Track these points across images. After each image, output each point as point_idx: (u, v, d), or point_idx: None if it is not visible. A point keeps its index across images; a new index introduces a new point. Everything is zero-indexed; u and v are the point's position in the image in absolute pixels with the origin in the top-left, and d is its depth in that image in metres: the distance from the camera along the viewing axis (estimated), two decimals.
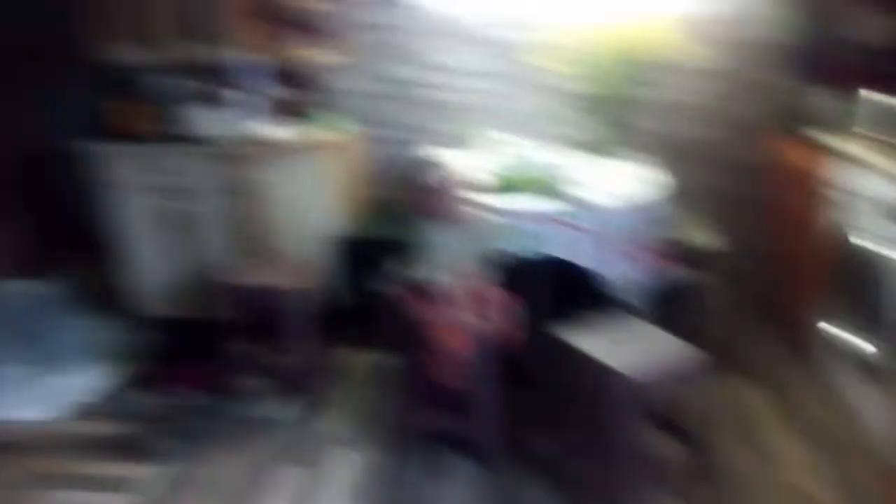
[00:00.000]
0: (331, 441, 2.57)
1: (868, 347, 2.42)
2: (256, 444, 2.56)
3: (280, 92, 3.20)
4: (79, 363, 3.04)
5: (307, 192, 3.19)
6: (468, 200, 2.23)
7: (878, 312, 2.32)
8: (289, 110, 3.35)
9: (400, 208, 3.47)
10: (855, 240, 2.45)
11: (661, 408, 2.52)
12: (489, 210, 2.36)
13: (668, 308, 2.83)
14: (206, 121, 3.09)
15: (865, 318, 2.43)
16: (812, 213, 2.81)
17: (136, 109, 3.15)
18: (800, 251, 2.98)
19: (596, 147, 3.13)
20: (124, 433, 2.66)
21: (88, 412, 2.80)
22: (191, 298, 3.25)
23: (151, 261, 3.23)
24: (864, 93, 2.69)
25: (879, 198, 2.27)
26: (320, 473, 2.40)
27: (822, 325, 2.72)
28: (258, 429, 2.65)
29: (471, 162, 2.81)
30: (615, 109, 3.02)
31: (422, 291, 2.32)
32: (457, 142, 3.39)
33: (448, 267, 2.24)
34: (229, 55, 3.11)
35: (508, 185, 2.67)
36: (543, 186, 2.60)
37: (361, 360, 3.11)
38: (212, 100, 3.11)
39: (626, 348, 2.17)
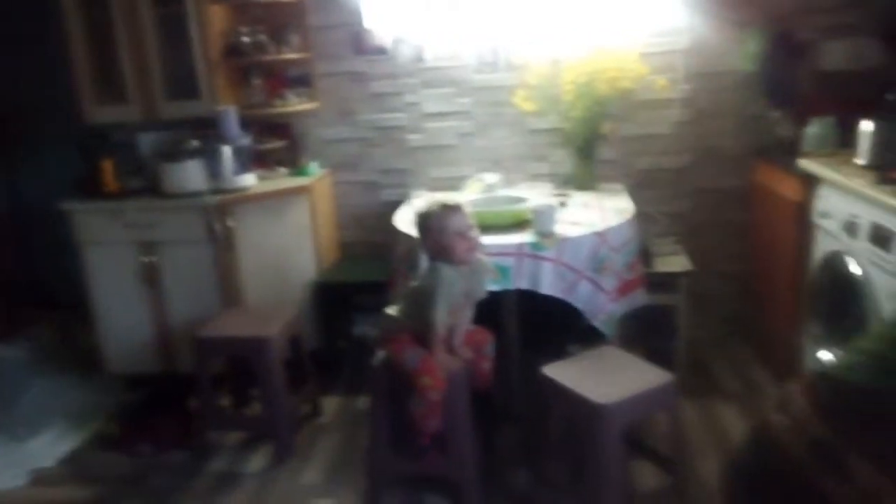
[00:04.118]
0: (303, 491, 2.49)
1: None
2: (228, 498, 2.47)
3: (253, 141, 3.22)
4: (44, 426, 2.96)
5: (281, 239, 3.18)
6: (476, 240, 2.23)
7: (857, 330, 2.30)
8: (265, 158, 3.37)
9: (372, 252, 3.48)
10: (830, 259, 2.45)
11: (638, 434, 2.48)
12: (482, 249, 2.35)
13: (640, 333, 2.82)
14: (182, 174, 3.09)
15: (843, 335, 2.41)
16: (786, 234, 2.82)
17: (109, 166, 3.15)
18: (776, 272, 2.98)
19: (565, 180, 3.16)
20: (91, 496, 2.57)
21: (55, 477, 2.70)
22: (160, 354, 3.19)
23: (122, 318, 3.18)
24: (828, 117, 2.74)
25: (851, 217, 2.27)
26: None
27: (802, 344, 2.70)
28: (229, 483, 2.56)
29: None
30: (585, 143, 3.06)
31: (401, 333, 2.29)
32: (432, 182, 3.42)
33: (449, 306, 2.21)
34: (202, 108, 3.14)
35: (478, 222, 2.68)
36: (510, 220, 2.60)
37: (335, 406, 3.05)
38: (189, 153, 3.12)
39: (598, 377, 2.14)
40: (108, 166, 3.13)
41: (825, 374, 0.62)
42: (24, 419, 3.00)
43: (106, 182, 3.12)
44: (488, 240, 2.42)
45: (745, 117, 3.23)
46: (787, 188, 2.81)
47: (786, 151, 2.87)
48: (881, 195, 2.06)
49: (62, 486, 2.64)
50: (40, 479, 2.69)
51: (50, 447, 2.83)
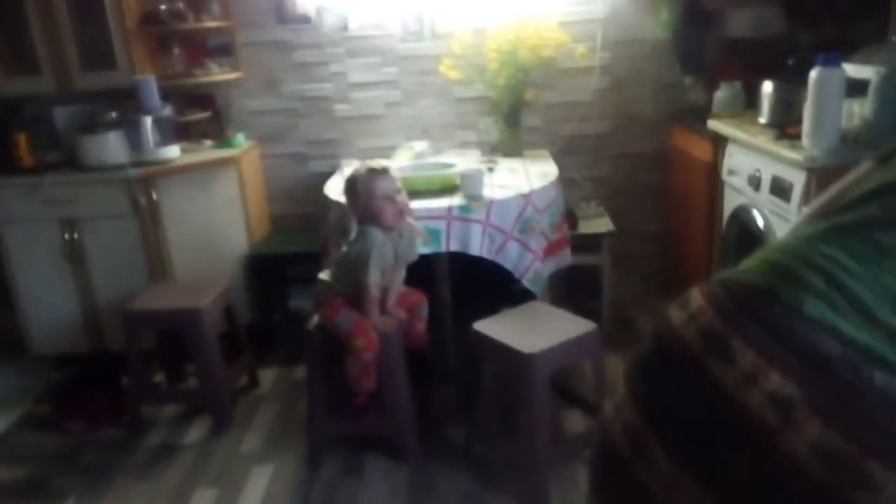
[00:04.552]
0: (243, 458, 2.51)
1: None
2: (165, 471, 2.47)
3: (175, 113, 3.15)
4: None
5: (209, 212, 3.14)
6: (403, 204, 2.27)
7: None
8: (188, 130, 3.30)
9: (303, 224, 3.48)
10: (738, 213, 2.62)
11: (568, 384, 2.62)
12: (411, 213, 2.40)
13: (566, 293, 2.94)
14: (101, 147, 3.00)
15: None
16: (699, 192, 2.99)
17: (23, 139, 3.02)
18: (690, 228, 3.15)
19: (492, 147, 3.23)
20: (22, 476, 2.51)
21: None
22: (88, 332, 3.11)
23: (45, 297, 3.08)
24: (734, 81, 2.90)
25: (755, 172, 2.44)
26: (233, 492, 2.33)
27: None
28: (166, 456, 2.55)
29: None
30: (509, 110, 3.13)
31: (335, 297, 2.32)
32: (361, 153, 3.43)
33: (380, 269, 2.25)
34: (119, 78, 3.05)
35: (407, 187, 2.72)
36: (438, 185, 2.66)
37: (272, 377, 3.06)
38: (107, 125, 3.02)
39: (526, 329, 2.24)
40: (21, 139, 3.00)
41: (722, 278, 0.71)
42: None
43: (20, 156, 2.99)
44: (418, 204, 2.48)
45: (660, 84, 3.38)
46: (699, 149, 2.98)
47: (697, 115, 3.03)
48: (779, 149, 2.22)
49: None
50: None
51: None
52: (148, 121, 2.99)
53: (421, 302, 2.50)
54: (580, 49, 3.15)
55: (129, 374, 2.72)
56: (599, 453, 0.75)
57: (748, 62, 3.00)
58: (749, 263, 0.70)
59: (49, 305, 3.08)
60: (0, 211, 3.00)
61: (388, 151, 3.29)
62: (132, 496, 2.35)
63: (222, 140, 3.33)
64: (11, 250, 3.03)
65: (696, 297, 0.69)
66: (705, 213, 2.92)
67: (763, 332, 0.61)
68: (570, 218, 3.01)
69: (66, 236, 3.00)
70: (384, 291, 2.37)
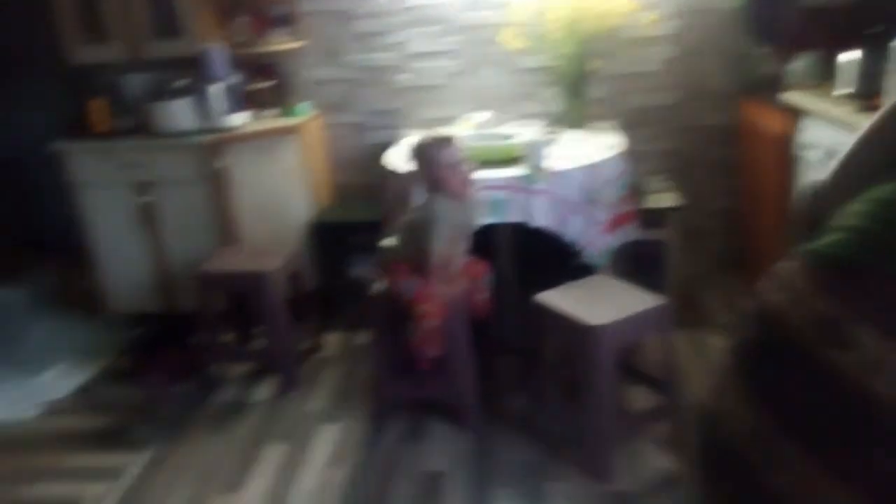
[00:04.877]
0: (309, 418, 2.59)
1: None
2: (235, 426, 2.58)
3: (244, 81, 3.21)
4: (54, 362, 3.02)
5: (274, 179, 3.21)
6: (468, 173, 2.29)
7: None
8: (253, 98, 3.36)
9: (364, 193, 3.52)
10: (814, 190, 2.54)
11: (632, 358, 2.61)
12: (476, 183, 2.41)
13: (630, 268, 2.91)
14: (173, 113, 3.09)
15: None
16: (771, 167, 2.91)
17: (103, 107, 3.13)
18: (762, 205, 3.07)
19: (556, 118, 3.20)
20: (103, 425, 2.66)
21: (65, 408, 2.79)
22: (161, 293, 3.24)
23: (123, 257, 3.21)
24: (814, 51, 2.80)
25: (833, 146, 2.36)
26: (301, 448, 2.43)
27: None
28: (236, 412, 2.67)
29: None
30: (574, 81, 3.09)
31: (400, 264, 2.36)
32: (421, 123, 3.44)
33: (445, 237, 2.28)
34: (187, 47, 3.11)
35: (471, 157, 2.73)
36: (501, 155, 2.66)
37: (336, 342, 3.14)
38: (177, 92, 3.11)
39: (591, 301, 2.23)
40: (98, 106, 3.11)
41: (816, 254, 0.66)
42: (33, 356, 3.06)
43: (97, 122, 3.10)
44: (481, 174, 2.48)
45: (732, 54, 3.27)
46: (772, 122, 2.89)
47: (770, 87, 2.93)
48: (864, 122, 2.14)
49: (76, 415, 2.74)
50: (54, 409, 2.78)
51: (61, 381, 2.91)
52: (217, 88, 3.06)
53: (483, 272, 2.52)
54: (649, 17, 3.07)
55: (201, 334, 2.83)
56: (710, 455, 0.70)
57: (825, 32, 2.88)
58: (836, 235, 0.65)
59: (124, 266, 3.22)
60: (79, 174, 3.13)
61: (448, 122, 3.28)
62: (207, 447, 2.47)
63: (286, 109, 3.38)
64: (90, 212, 3.17)
65: (792, 274, 0.65)
66: (777, 188, 2.85)
67: (880, 311, 0.57)
68: (636, 191, 2.97)
69: (140, 200, 3.12)
70: (447, 260, 2.39)
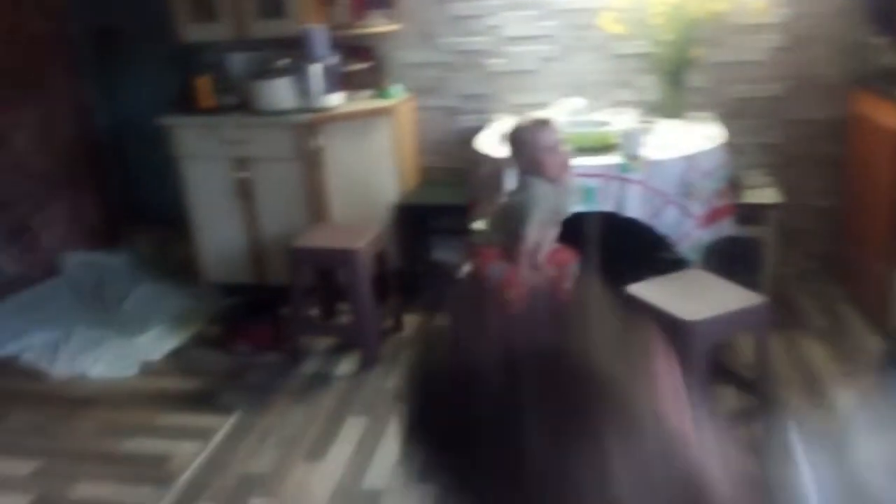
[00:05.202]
0: (389, 394, 2.64)
1: None
2: (319, 397, 2.65)
3: (341, 62, 3.27)
4: (150, 325, 3.20)
5: (365, 160, 3.26)
6: (566, 156, 2.26)
7: None
8: (349, 80, 3.42)
9: (451, 177, 3.53)
10: None
11: (725, 357, 2.51)
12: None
13: (723, 262, 2.80)
14: (273, 92, 3.19)
15: None
16: (885, 167, 2.73)
17: (208, 84, 3.27)
18: (872, 207, 2.89)
19: (652, 107, 3.10)
20: (193, 388, 2.79)
21: (159, 369, 2.95)
22: (253, 265, 3.37)
23: (219, 230, 3.35)
24: None
25: None
26: (382, 422, 2.47)
27: None
28: (320, 384, 2.74)
29: None
30: (674, 68, 2.99)
31: (490, 248, 2.35)
32: (512, 108, 3.41)
33: (540, 221, 2.26)
34: (289, 27, 3.20)
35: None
36: (596, 143, 2.60)
37: (413, 321, 3.18)
38: (278, 72, 3.20)
39: (684, 296, 2.16)
40: (204, 83, 3.24)
41: None
42: (131, 319, 3.25)
43: (202, 98, 3.24)
44: (575, 160, 2.44)
45: (845, 44, 3.08)
46: (888, 118, 2.70)
47: (888, 80, 2.74)
48: None
49: (169, 377, 2.89)
50: (149, 370, 2.95)
51: (157, 343, 3.08)
52: (316, 69, 3.13)
53: (570, 260, 2.48)
54: (756, 3, 2.93)
55: (290, 306, 2.93)
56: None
57: None
58: None
59: (220, 238, 3.36)
60: (182, 148, 3.28)
61: (540, 108, 3.24)
62: (291, 415, 2.55)
63: (380, 91, 3.43)
64: (191, 184, 3.32)
65: None
66: (890, 189, 2.66)
67: None
68: (734, 186, 2.85)
69: (238, 175, 3.24)
70: (537, 246, 2.36)
